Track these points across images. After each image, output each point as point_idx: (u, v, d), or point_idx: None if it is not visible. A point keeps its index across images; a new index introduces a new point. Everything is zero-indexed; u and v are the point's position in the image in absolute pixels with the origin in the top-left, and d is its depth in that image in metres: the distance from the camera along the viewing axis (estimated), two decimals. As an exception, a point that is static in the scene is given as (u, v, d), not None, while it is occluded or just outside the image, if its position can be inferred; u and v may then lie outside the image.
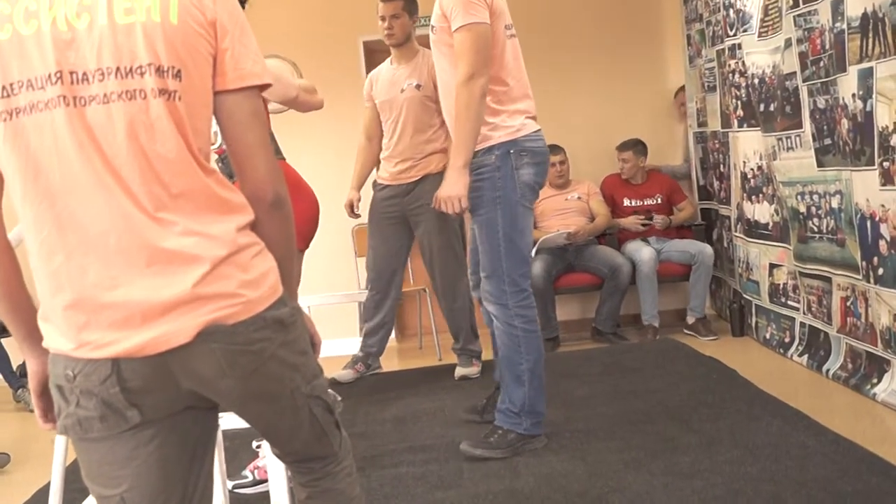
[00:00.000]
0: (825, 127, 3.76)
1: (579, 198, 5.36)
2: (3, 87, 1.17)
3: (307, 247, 2.98)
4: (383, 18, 4.11)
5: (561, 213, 5.29)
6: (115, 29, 1.18)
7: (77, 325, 1.18)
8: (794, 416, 3.12)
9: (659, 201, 5.40)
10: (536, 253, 5.10)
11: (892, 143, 3.27)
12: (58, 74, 1.16)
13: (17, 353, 3.92)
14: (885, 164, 3.31)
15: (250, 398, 1.31)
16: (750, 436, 2.94)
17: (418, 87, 4.16)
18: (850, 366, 3.68)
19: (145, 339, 1.17)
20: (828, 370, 3.80)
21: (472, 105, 2.74)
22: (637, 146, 5.35)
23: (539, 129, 2.97)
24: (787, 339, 4.31)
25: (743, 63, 4.50)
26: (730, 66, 4.69)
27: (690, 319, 5.09)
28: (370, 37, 5.40)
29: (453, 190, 2.79)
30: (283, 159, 3.04)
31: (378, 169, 4.48)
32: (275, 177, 1.32)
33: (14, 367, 4.80)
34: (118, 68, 1.17)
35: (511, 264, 2.90)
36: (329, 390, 1.46)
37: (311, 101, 2.80)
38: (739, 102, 4.63)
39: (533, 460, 2.91)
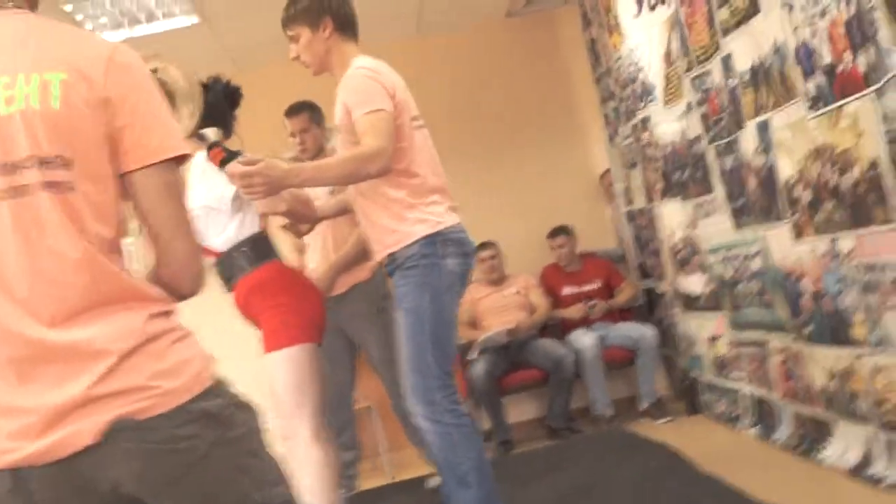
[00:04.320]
0: (735, 187, 3.66)
1: (517, 292, 5.21)
2: None
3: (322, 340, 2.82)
4: (293, 134, 4.02)
5: (500, 311, 5.13)
6: None
7: None
8: (731, 495, 2.87)
9: (598, 286, 5.27)
10: (479, 353, 4.92)
11: (796, 194, 3.15)
12: None
13: None
14: (794, 216, 3.19)
15: None
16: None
17: (332, 191, 4.01)
18: (797, 432, 3.44)
19: (46, 444, 1.07)
20: (777, 440, 3.56)
21: (354, 170, 2.56)
22: (569, 231, 5.27)
23: (460, 223, 2.81)
24: (736, 413, 4.08)
25: (653, 134, 4.45)
26: (644, 138, 4.64)
27: (643, 405, 4.86)
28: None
29: (273, 172, 2.46)
30: (278, 259, 2.88)
31: None
32: (193, 266, 1.21)
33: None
34: (3, 164, 1.08)
35: (438, 356, 2.68)
36: None
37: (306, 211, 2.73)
38: (659, 174, 4.55)
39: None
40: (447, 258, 2.70)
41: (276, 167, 2.44)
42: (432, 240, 2.68)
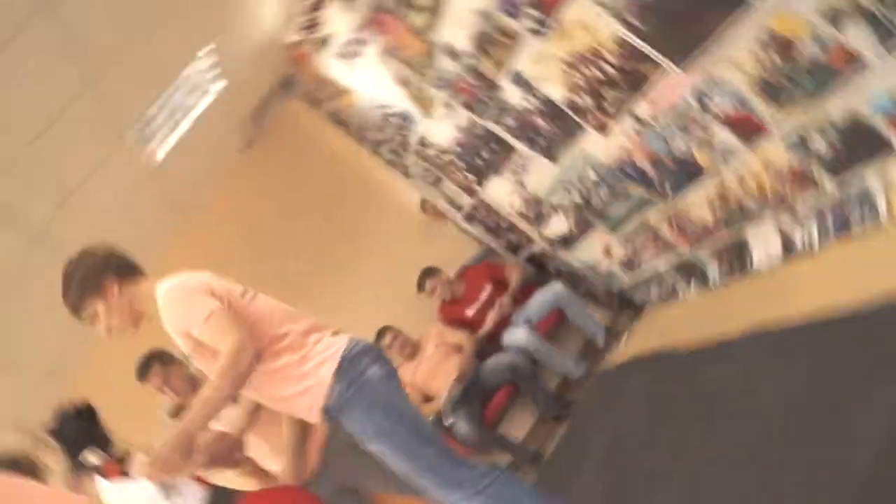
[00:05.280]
0: (529, 134, 3.94)
1: (436, 346, 5.27)
2: None
3: None
4: (160, 390, 3.85)
5: (436, 372, 5.15)
6: None
7: None
8: (752, 343, 3.08)
9: (490, 288, 5.42)
10: (451, 414, 4.95)
11: (579, 104, 3.44)
12: None
13: None
14: (590, 119, 3.48)
15: None
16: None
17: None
18: (724, 265, 3.75)
19: None
20: (714, 281, 3.85)
21: (234, 375, 2.47)
22: (430, 272, 5.39)
23: (351, 336, 2.77)
24: (669, 288, 4.37)
25: (435, 144, 4.69)
26: (430, 154, 4.87)
27: (600, 341, 5.06)
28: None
29: (164, 450, 2.35)
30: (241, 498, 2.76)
31: None
32: None
33: None
34: None
35: (429, 445, 2.65)
36: None
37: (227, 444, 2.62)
38: (464, 170, 4.80)
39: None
40: (367, 371, 2.68)
41: (164, 446, 2.33)
42: (342, 369, 2.66)
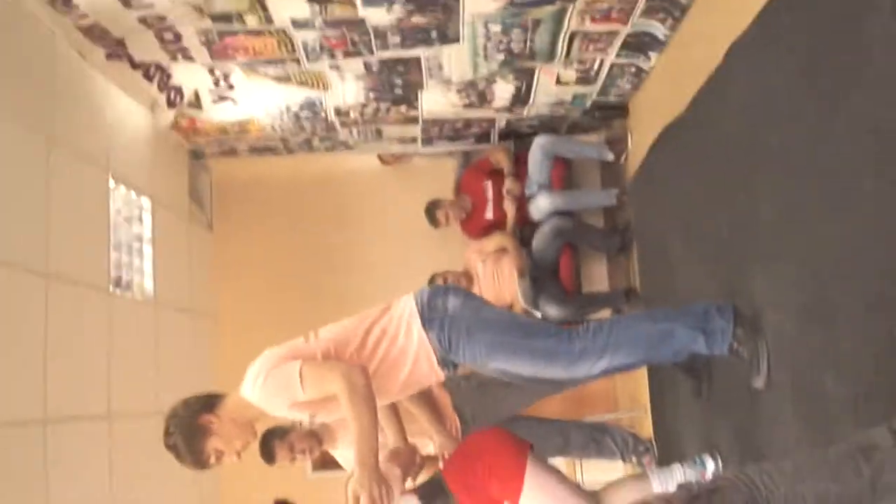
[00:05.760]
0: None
1: (483, 262, 5.20)
2: None
3: None
4: (299, 454, 3.77)
5: (498, 284, 5.09)
6: None
7: None
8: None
9: (491, 184, 5.34)
10: (537, 310, 4.92)
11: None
12: None
13: None
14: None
15: None
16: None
17: None
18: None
19: None
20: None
21: (360, 403, 2.46)
22: (432, 205, 5.33)
23: (411, 294, 2.78)
24: (636, 67, 4.25)
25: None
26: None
27: (611, 157, 4.99)
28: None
29: (363, 484, 2.39)
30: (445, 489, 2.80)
31: None
32: None
33: None
34: None
35: (542, 337, 2.68)
36: None
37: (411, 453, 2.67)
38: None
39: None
40: (447, 306, 2.69)
41: (357, 482, 2.38)
42: (426, 319, 2.67)
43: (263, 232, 5.81)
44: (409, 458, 3.00)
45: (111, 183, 4.28)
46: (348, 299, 5.30)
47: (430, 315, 2.68)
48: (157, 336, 4.73)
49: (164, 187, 4.96)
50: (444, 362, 2.71)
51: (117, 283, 4.41)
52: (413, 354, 2.68)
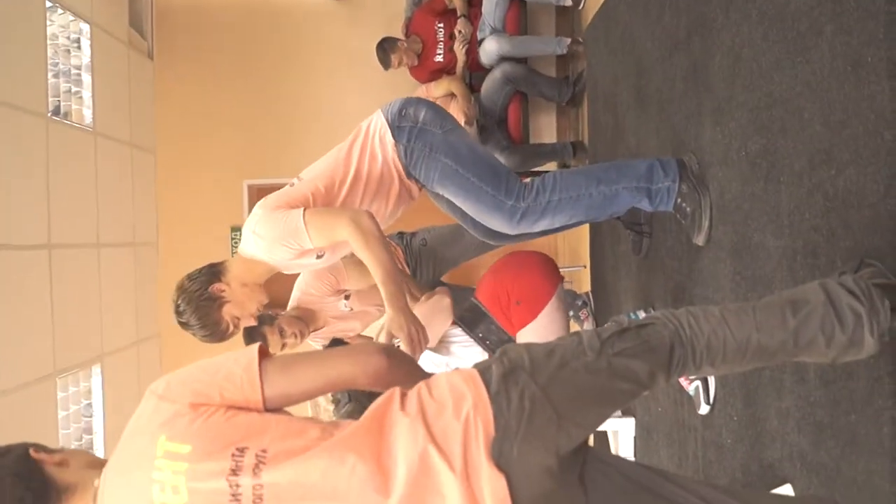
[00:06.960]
0: None
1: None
2: None
3: None
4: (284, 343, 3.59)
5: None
6: None
7: None
8: None
9: (443, 25, 5.19)
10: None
11: None
12: None
13: None
14: None
15: None
16: None
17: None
18: None
19: None
20: None
21: (367, 238, 2.42)
22: (385, 44, 5.16)
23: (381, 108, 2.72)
24: None
25: None
26: None
27: (568, 1, 4.86)
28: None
29: (398, 320, 2.35)
30: None
31: None
32: None
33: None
34: None
35: (478, 175, 2.59)
36: None
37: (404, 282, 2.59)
38: None
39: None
40: (418, 116, 2.62)
41: (394, 324, 2.31)
42: (396, 128, 2.61)
43: (206, 65, 5.61)
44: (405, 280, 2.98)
45: (47, 2, 4.06)
46: (289, 146, 5.24)
47: (399, 123, 2.61)
48: (97, 167, 4.62)
49: (103, 12, 4.70)
50: (409, 174, 2.66)
51: (55, 111, 4.26)
52: (394, 167, 2.64)
